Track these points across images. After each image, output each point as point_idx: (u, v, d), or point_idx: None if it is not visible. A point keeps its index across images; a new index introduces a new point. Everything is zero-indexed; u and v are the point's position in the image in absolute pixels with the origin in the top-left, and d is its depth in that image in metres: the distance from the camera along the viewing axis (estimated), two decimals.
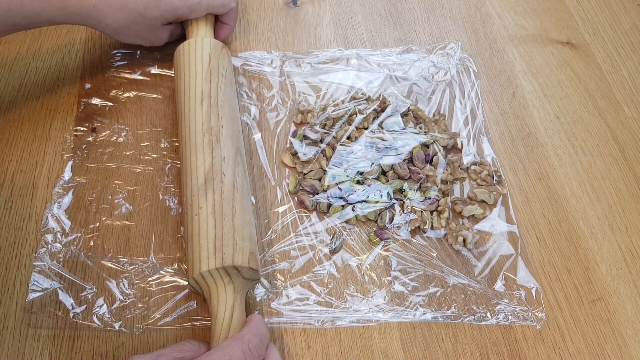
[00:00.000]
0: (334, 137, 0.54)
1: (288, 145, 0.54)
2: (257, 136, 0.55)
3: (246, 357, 0.37)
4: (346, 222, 0.50)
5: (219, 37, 0.58)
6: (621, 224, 0.51)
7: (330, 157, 0.52)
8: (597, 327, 0.46)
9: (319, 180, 0.52)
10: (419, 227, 0.50)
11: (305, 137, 0.54)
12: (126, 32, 0.54)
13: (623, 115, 0.57)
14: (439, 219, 0.50)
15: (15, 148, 0.53)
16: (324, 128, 0.55)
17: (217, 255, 0.41)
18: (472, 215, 0.51)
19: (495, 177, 0.53)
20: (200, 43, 0.52)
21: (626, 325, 0.46)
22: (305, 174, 0.52)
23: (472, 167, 0.53)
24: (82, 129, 0.54)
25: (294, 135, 0.55)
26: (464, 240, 0.49)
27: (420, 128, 0.55)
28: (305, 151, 0.53)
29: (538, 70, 0.60)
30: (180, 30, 0.58)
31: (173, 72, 0.57)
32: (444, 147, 0.54)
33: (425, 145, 0.53)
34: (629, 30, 0.64)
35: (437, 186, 0.51)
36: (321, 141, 0.54)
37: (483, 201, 0.52)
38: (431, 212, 0.51)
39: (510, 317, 0.46)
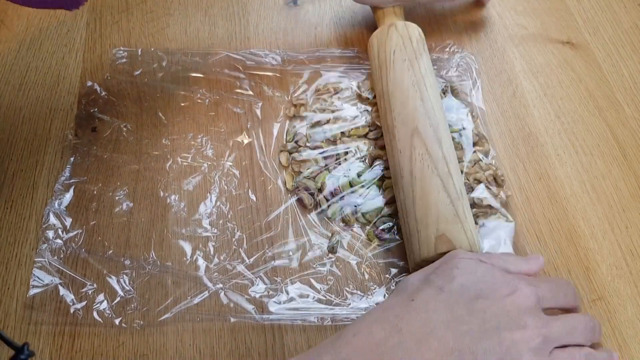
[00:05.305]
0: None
1: (287, 144, 0.54)
2: (257, 135, 0.55)
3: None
4: (345, 221, 0.50)
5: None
6: (621, 224, 0.51)
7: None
8: None
9: (316, 178, 0.52)
10: None
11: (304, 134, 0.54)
12: None
13: (623, 115, 0.57)
14: None
15: (15, 148, 0.53)
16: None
17: (409, 256, 0.45)
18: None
19: (495, 177, 0.53)
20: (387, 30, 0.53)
21: (626, 325, 0.46)
22: (302, 172, 0.52)
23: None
24: (82, 127, 0.54)
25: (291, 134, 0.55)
26: None
27: None
28: (302, 150, 0.53)
29: (538, 70, 0.60)
30: None
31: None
32: None
33: None
34: (629, 30, 0.64)
35: None
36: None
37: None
38: None
39: None
